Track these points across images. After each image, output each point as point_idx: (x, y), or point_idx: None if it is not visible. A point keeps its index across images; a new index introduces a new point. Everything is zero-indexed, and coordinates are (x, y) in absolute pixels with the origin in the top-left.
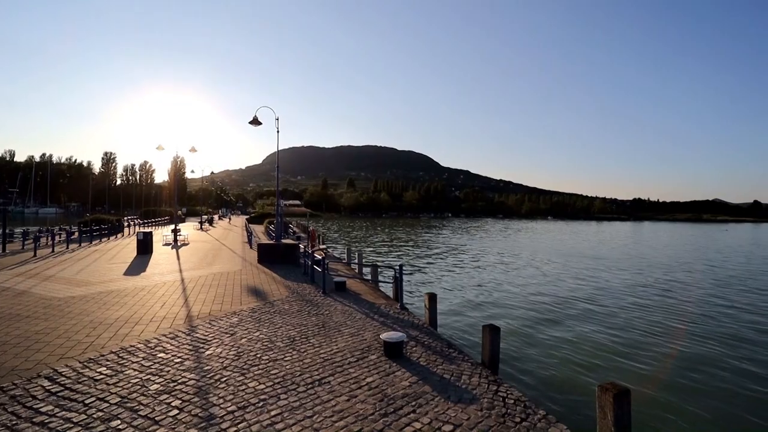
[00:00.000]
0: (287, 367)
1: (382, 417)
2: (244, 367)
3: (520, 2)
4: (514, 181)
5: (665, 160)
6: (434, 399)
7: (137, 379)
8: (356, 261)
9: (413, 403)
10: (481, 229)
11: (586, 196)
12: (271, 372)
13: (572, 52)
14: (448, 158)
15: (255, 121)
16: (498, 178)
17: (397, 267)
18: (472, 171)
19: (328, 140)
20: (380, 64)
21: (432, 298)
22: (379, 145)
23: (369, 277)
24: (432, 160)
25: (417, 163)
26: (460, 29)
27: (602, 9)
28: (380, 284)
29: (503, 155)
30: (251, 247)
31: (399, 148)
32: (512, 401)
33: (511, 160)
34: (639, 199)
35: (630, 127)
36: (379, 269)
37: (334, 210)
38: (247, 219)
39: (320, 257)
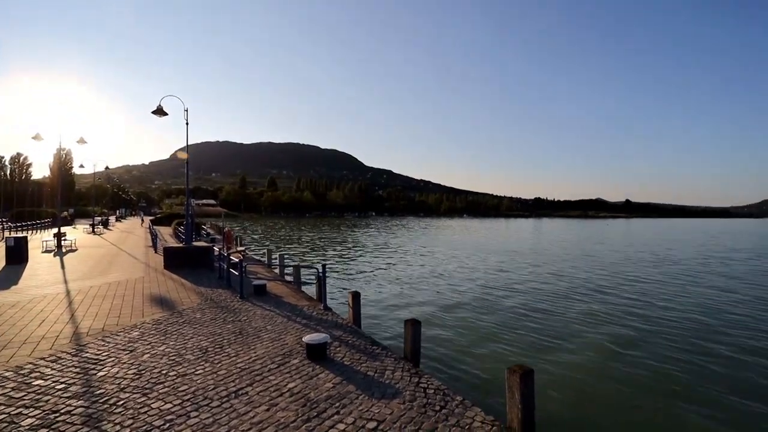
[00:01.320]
0: (198, 381)
1: (304, 423)
2: (147, 386)
3: (440, 5)
4: (434, 181)
5: (560, 164)
6: (358, 398)
7: (3, 416)
8: (278, 262)
9: (337, 405)
10: (405, 227)
11: (496, 196)
12: (180, 389)
13: (485, 56)
14: (371, 158)
15: (159, 111)
16: (419, 178)
17: (320, 267)
18: (395, 171)
19: (246, 136)
20: (302, 60)
21: (355, 296)
22: (301, 142)
23: (291, 278)
24: (356, 159)
25: (341, 162)
26: (380, 29)
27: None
28: (303, 285)
29: (424, 156)
30: (156, 252)
31: (322, 147)
32: (432, 391)
33: (430, 161)
34: (539, 198)
35: (531, 134)
36: (301, 270)
37: (254, 210)
38: (151, 220)
39: (237, 260)
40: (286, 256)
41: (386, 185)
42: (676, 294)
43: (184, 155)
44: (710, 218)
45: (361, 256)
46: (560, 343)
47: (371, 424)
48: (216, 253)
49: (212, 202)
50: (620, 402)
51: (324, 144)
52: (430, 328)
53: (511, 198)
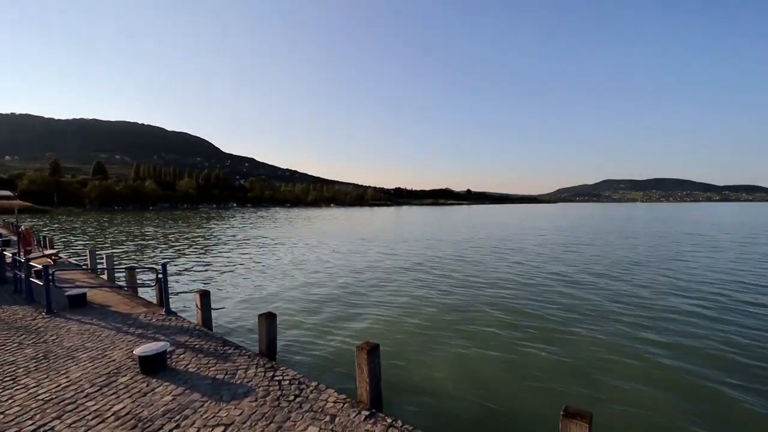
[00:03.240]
0: None
1: None
2: None
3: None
4: (300, 171)
5: (417, 156)
6: (204, 405)
7: None
8: (105, 265)
9: (177, 418)
10: (270, 219)
11: (361, 185)
12: None
13: (342, 50)
14: (231, 145)
15: None
16: (285, 168)
17: (160, 267)
18: (258, 159)
19: (59, 110)
20: (140, 18)
21: (204, 296)
22: (140, 122)
23: (124, 283)
24: (212, 145)
25: (194, 148)
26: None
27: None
28: (140, 290)
29: (290, 146)
30: None
31: (168, 128)
32: (287, 382)
33: (298, 151)
34: (399, 188)
35: (393, 131)
36: (137, 272)
37: (74, 203)
38: None
39: (42, 266)
40: (117, 258)
41: (249, 174)
42: (492, 261)
43: None
44: (525, 203)
45: (216, 252)
46: (405, 318)
47: (218, 430)
48: (8, 260)
49: (7, 193)
50: (461, 369)
51: (171, 126)
52: (287, 319)
53: (374, 188)
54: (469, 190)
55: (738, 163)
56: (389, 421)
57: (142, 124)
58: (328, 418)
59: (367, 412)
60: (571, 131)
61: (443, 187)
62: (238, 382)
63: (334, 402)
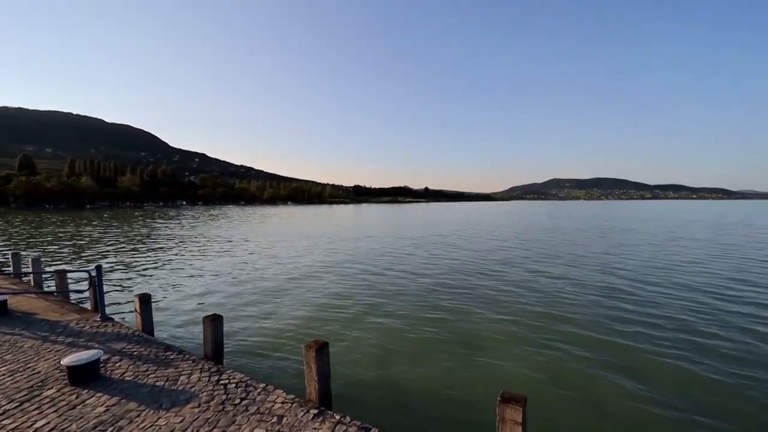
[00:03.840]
0: None
1: None
2: None
3: None
4: (256, 167)
5: (376, 155)
6: (141, 414)
7: None
8: (30, 269)
9: (110, 430)
10: (222, 217)
11: (319, 183)
12: None
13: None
14: (179, 139)
15: None
16: (239, 164)
17: (94, 269)
18: (210, 155)
19: None
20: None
21: (144, 299)
22: (75, 112)
23: (54, 288)
24: (158, 139)
25: (137, 141)
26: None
27: None
28: (73, 295)
29: (245, 141)
30: None
31: (108, 120)
32: (234, 385)
33: (253, 147)
34: (358, 185)
35: (355, 127)
36: (68, 276)
37: None
38: None
39: None
40: (47, 261)
41: (200, 170)
42: (440, 258)
43: None
44: (480, 200)
45: (160, 252)
46: (355, 314)
47: None
48: None
49: None
50: (410, 362)
51: (111, 117)
52: (236, 321)
53: (333, 185)
54: (427, 188)
55: (667, 165)
56: (338, 418)
57: (77, 115)
58: (275, 419)
59: (315, 411)
60: (523, 133)
61: (402, 185)
62: (180, 388)
63: (282, 402)
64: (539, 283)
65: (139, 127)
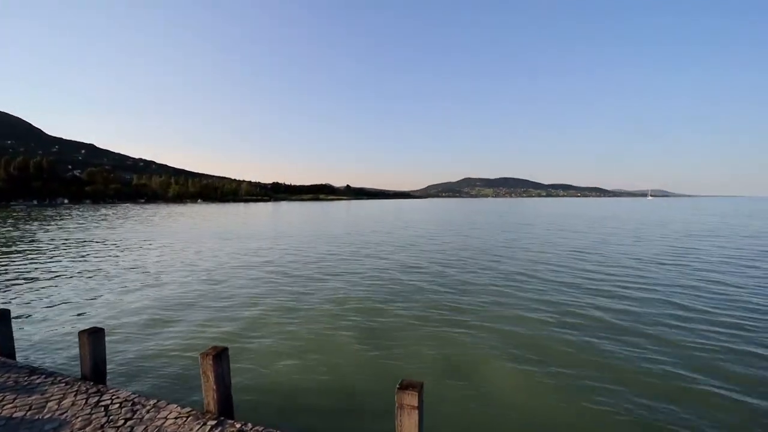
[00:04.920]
0: None
1: None
2: None
3: None
4: (157, 161)
5: (292, 151)
6: None
7: None
8: None
9: None
10: (118, 217)
11: (235, 180)
12: None
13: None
14: (60, 127)
15: None
16: (137, 157)
17: None
18: (99, 146)
19: None
20: None
21: (3, 316)
22: None
23: None
24: (30, 125)
25: (2, 128)
26: None
27: None
28: None
29: (144, 131)
30: None
31: None
32: (117, 405)
33: (155, 139)
34: (277, 182)
35: (274, 123)
36: None
37: None
38: None
39: None
40: None
41: (87, 164)
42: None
43: None
44: (399, 198)
45: (30, 260)
46: (255, 317)
47: None
48: None
49: None
50: (310, 361)
51: None
52: (122, 334)
53: (250, 182)
54: (348, 186)
55: (558, 166)
56: (238, 426)
57: None
58: None
59: (213, 422)
60: (440, 134)
61: (324, 183)
62: (48, 416)
63: (176, 418)
64: (448, 276)
65: (4, 111)
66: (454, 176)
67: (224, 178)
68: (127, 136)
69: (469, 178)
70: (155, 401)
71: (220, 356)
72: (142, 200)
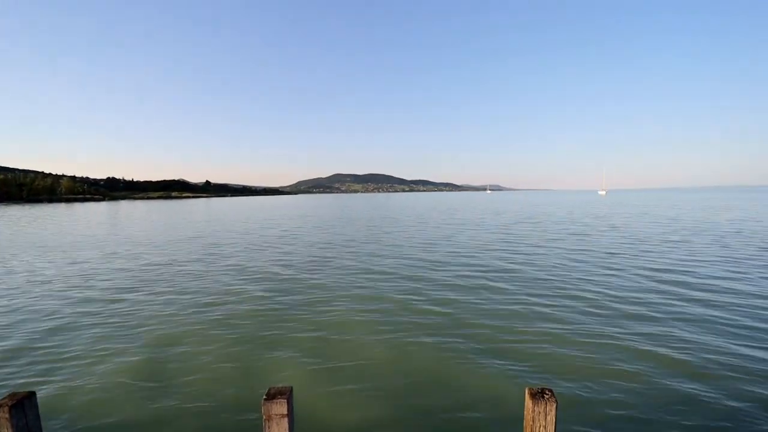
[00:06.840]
0: None
1: None
2: None
3: None
4: None
5: (134, 143)
6: None
7: None
8: None
9: None
10: None
11: (50, 174)
12: None
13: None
14: None
15: None
16: None
17: None
18: None
19: None
20: None
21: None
22: None
23: None
24: None
25: None
26: None
27: None
28: None
29: None
30: None
31: None
32: None
33: None
34: (113, 178)
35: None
36: None
37: None
38: None
39: None
40: None
41: None
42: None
43: None
44: (268, 195)
45: None
46: (87, 348)
47: None
48: None
49: None
50: (173, 383)
51: None
52: None
53: (74, 177)
54: (208, 182)
55: (418, 163)
56: None
57: None
58: None
59: None
60: (311, 131)
61: (177, 178)
62: None
63: None
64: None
65: None
66: (324, 172)
67: (36, 171)
68: None
69: (340, 174)
70: None
71: (22, 405)
72: None
